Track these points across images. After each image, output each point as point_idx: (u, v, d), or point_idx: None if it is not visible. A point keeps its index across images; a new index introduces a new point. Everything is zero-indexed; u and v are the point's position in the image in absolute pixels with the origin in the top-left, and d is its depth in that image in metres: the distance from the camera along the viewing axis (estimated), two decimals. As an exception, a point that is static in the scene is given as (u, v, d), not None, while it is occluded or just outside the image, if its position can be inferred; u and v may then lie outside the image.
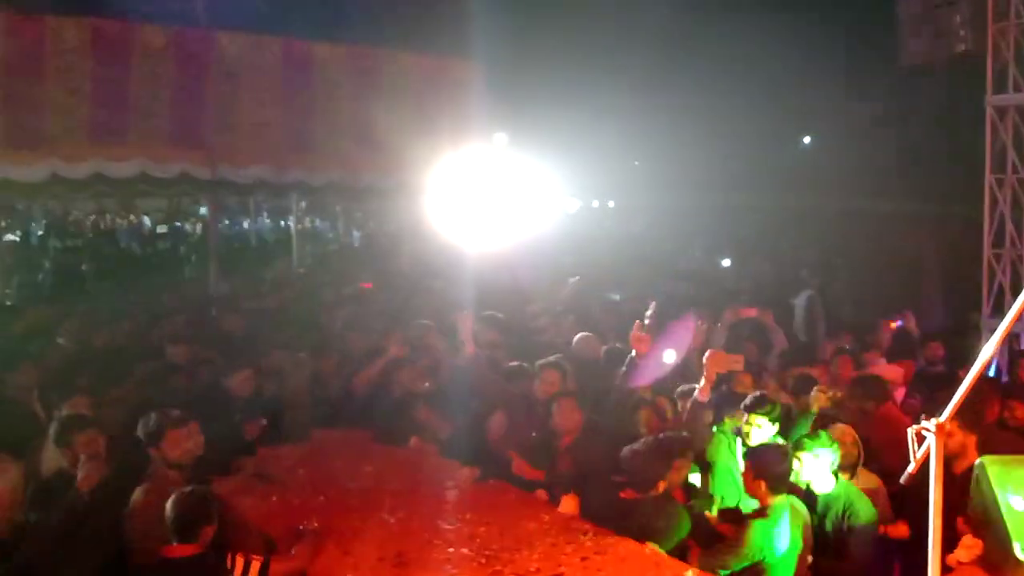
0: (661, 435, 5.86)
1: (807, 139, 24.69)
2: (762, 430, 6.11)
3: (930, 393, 7.87)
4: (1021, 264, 10.38)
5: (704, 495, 6.22)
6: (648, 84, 19.97)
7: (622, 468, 5.52)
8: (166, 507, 4.70)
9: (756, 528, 5.15)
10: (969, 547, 4.60)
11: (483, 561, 4.89)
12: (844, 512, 5.49)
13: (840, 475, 6.04)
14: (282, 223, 28.53)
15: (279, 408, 7.50)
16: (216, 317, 10.97)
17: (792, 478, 5.49)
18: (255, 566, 4.67)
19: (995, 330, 3.13)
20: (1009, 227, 10.37)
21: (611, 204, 29.51)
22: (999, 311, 10.12)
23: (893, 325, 10.17)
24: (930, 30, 11.92)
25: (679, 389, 6.94)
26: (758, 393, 6.52)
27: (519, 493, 5.96)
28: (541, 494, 5.97)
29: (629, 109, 20.14)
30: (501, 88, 13.82)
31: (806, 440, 5.63)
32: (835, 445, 5.66)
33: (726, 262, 18.29)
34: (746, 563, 5.06)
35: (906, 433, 3.45)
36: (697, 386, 6.32)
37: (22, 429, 6.59)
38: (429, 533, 5.29)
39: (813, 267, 15.38)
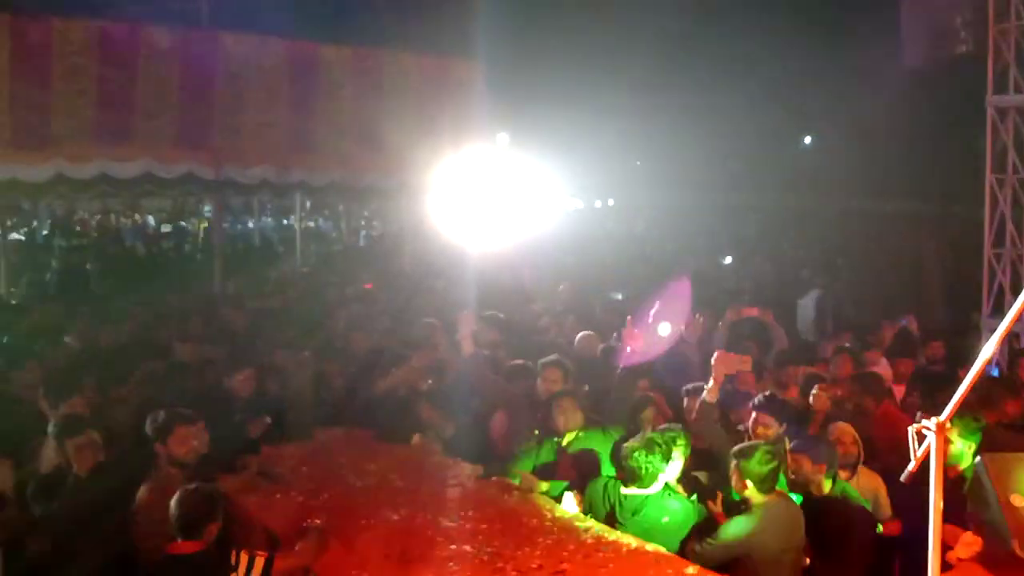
0: (656, 429, 5.90)
1: (808, 139, 24.70)
2: (770, 429, 6.14)
3: (930, 392, 7.90)
4: (1021, 264, 10.41)
5: (710, 491, 6.24)
6: (649, 84, 19.98)
7: (621, 465, 5.55)
8: (170, 504, 4.74)
9: (733, 524, 5.17)
10: (969, 544, 4.62)
11: (485, 558, 4.92)
12: (841, 513, 5.50)
13: (840, 474, 6.08)
14: (284, 222, 28.57)
15: (283, 407, 7.53)
16: (220, 316, 11.00)
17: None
18: (259, 563, 4.69)
19: (995, 329, 3.16)
20: (1009, 227, 10.39)
21: (610, 202, 29.50)
22: (999, 310, 10.15)
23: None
24: (931, 31, 11.94)
25: (686, 387, 6.97)
26: (768, 392, 6.55)
27: (521, 490, 5.98)
28: (541, 488, 5.99)
29: (631, 109, 20.16)
30: (503, 88, 13.84)
31: None
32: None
33: (727, 260, 18.32)
34: (724, 558, 5.04)
35: (906, 432, 3.48)
36: (705, 385, 6.36)
37: (27, 426, 6.63)
38: (432, 531, 5.31)
39: (815, 267, 15.39)
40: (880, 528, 5.93)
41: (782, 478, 5.50)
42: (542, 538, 5.15)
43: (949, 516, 3.42)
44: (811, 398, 7.09)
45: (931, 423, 3.33)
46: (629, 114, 20.40)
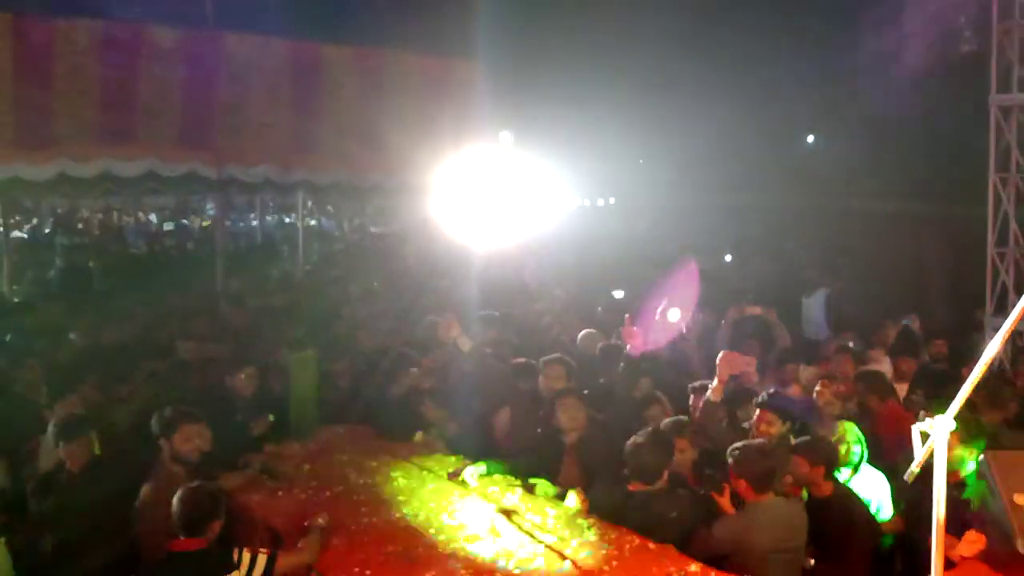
0: (660, 424, 5.90)
1: (810, 138, 24.67)
2: (773, 427, 6.14)
3: (933, 391, 7.90)
4: (1024, 262, 10.41)
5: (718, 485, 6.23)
6: (652, 84, 19.97)
7: (626, 462, 5.55)
8: (173, 502, 4.75)
9: (724, 521, 5.16)
10: (972, 542, 4.62)
11: (488, 557, 4.93)
12: (843, 515, 5.49)
13: (844, 472, 6.08)
14: (286, 220, 28.58)
15: (286, 405, 7.55)
16: (223, 315, 11.01)
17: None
18: (261, 561, 4.70)
19: (998, 328, 3.16)
20: (1013, 226, 10.38)
21: (611, 201, 29.49)
22: (1002, 309, 10.14)
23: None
24: (935, 30, 11.93)
25: (692, 385, 6.98)
26: (772, 390, 6.56)
27: (524, 487, 5.98)
28: (546, 488, 5.99)
29: (633, 108, 20.14)
30: (505, 88, 13.84)
31: None
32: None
33: (727, 257, 18.31)
34: (711, 553, 5.01)
35: (909, 430, 3.48)
36: (710, 384, 6.36)
37: (29, 424, 6.65)
38: (434, 528, 5.32)
39: (818, 266, 15.37)
40: (883, 527, 5.94)
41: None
42: (545, 535, 5.15)
43: (948, 522, 3.41)
44: (814, 395, 7.10)
45: (935, 422, 3.33)
46: (632, 113, 20.37)
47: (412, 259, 17.21)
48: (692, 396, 6.82)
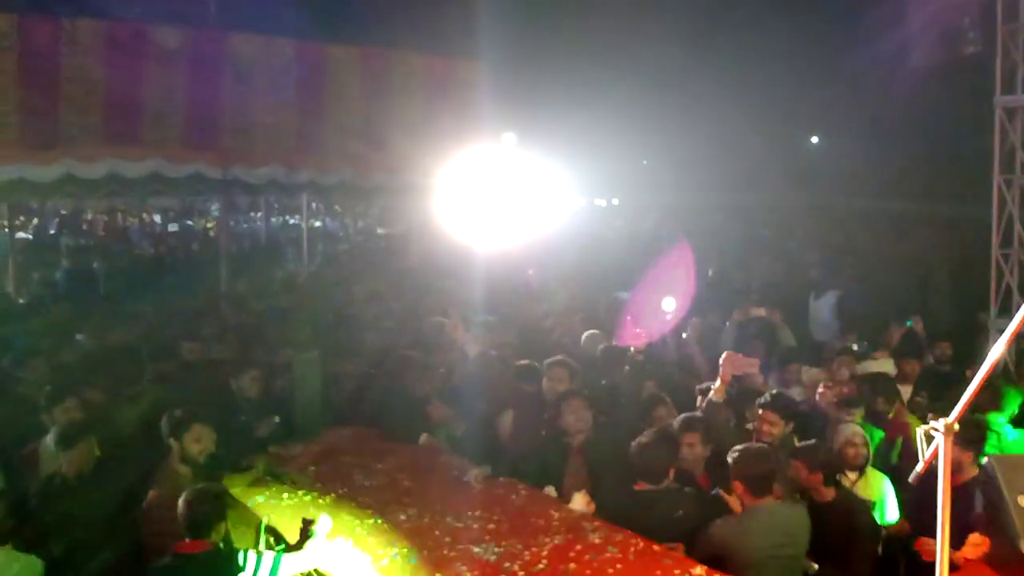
0: (667, 424, 5.90)
1: (815, 139, 24.67)
2: (776, 428, 6.14)
3: (937, 393, 7.91)
4: (1029, 264, 10.39)
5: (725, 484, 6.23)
6: (655, 84, 19.97)
7: (632, 462, 5.55)
8: (179, 504, 4.76)
9: (720, 523, 5.16)
10: (976, 545, 4.62)
11: (493, 559, 4.93)
12: (846, 518, 5.48)
13: (849, 475, 6.08)
14: (291, 221, 28.62)
15: (291, 406, 7.56)
16: (228, 316, 11.03)
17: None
18: (267, 562, 4.71)
19: (1003, 330, 3.16)
20: (1017, 227, 10.36)
21: (615, 201, 29.50)
22: (1007, 311, 10.12)
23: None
24: (939, 31, 11.93)
25: (699, 387, 6.98)
26: (775, 391, 6.56)
27: (529, 490, 5.99)
28: (550, 491, 6.00)
29: (637, 109, 20.13)
30: (509, 88, 13.85)
31: None
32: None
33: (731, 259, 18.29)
34: (706, 554, 5.01)
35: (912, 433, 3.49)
36: (713, 385, 6.37)
37: (34, 426, 6.65)
38: (439, 531, 5.32)
39: (827, 267, 15.36)
40: (888, 530, 5.93)
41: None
42: (549, 538, 5.15)
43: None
44: (817, 396, 7.11)
45: (939, 424, 3.34)
46: (635, 114, 20.37)
47: (416, 260, 17.21)
48: (699, 398, 6.83)
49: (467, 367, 7.62)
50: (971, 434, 5.50)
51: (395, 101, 12.20)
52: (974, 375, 3.28)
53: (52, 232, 23.39)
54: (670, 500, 5.40)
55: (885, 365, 8.79)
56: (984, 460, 4.60)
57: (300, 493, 6.01)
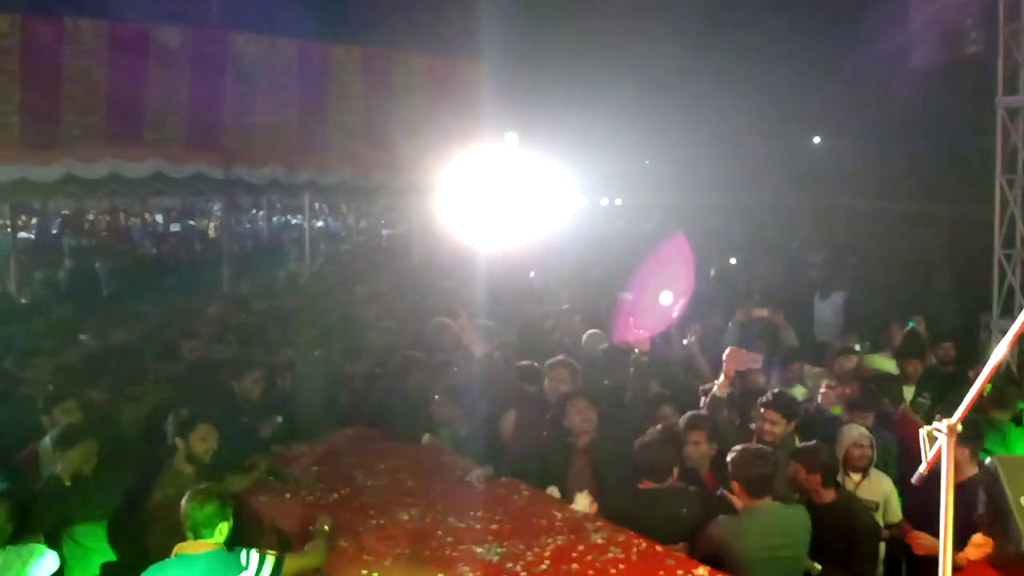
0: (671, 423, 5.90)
1: (817, 139, 24.65)
2: (777, 426, 6.14)
3: (940, 393, 7.90)
4: (1032, 265, 10.40)
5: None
6: (658, 84, 19.95)
7: (636, 461, 5.55)
8: (181, 504, 4.76)
9: (716, 526, 5.16)
10: (979, 546, 4.62)
11: (495, 559, 4.93)
12: (847, 519, 5.48)
13: (852, 476, 6.07)
14: (293, 221, 28.63)
15: (293, 406, 7.56)
16: (230, 316, 11.02)
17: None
18: (269, 562, 4.71)
19: (1005, 330, 3.16)
20: (1019, 228, 10.37)
21: (618, 202, 29.48)
22: (1009, 311, 10.13)
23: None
24: (941, 31, 11.93)
25: (703, 387, 6.98)
26: (776, 390, 6.55)
27: (531, 490, 5.99)
28: (553, 491, 6.00)
29: (639, 109, 20.12)
30: (511, 88, 13.86)
31: None
32: None
33: (732, 260, 18.31)
34: (703, 553, 5.01)
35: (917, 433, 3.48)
36: (717, 381, 6.38)
37: (36, 426, 6.65)
38: (442, 531, 5.33)
39: (831, 267, 15.36)
40: (890, 531, 5.93)
41: None
42: (552, 538, 5.16)
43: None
44: (819, 397, 7.10)
45: (942, 425, 3.33)
46: (638, 114, 20.37)
47: (417, 260, 17.22)
48: (703, 398, 6.82)
49: (473, 367, 7.60)
50: (968, 431, 5.49)
51: (396, 101, 12.23)
52: (977, 376, 3.28)
53: (54, 232, 23.39)
54: (674, 499, 5.40)
55: (887, 365, 8.79)
56: (987, 460, 4.60)
57: (302, 493, 6.02)
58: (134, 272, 17.36)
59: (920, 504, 5.54)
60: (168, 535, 4.96)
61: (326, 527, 5.17)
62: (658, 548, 4.97)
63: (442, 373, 7.76)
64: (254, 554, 4.71)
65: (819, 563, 5.28)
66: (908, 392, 8.04)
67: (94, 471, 5.82)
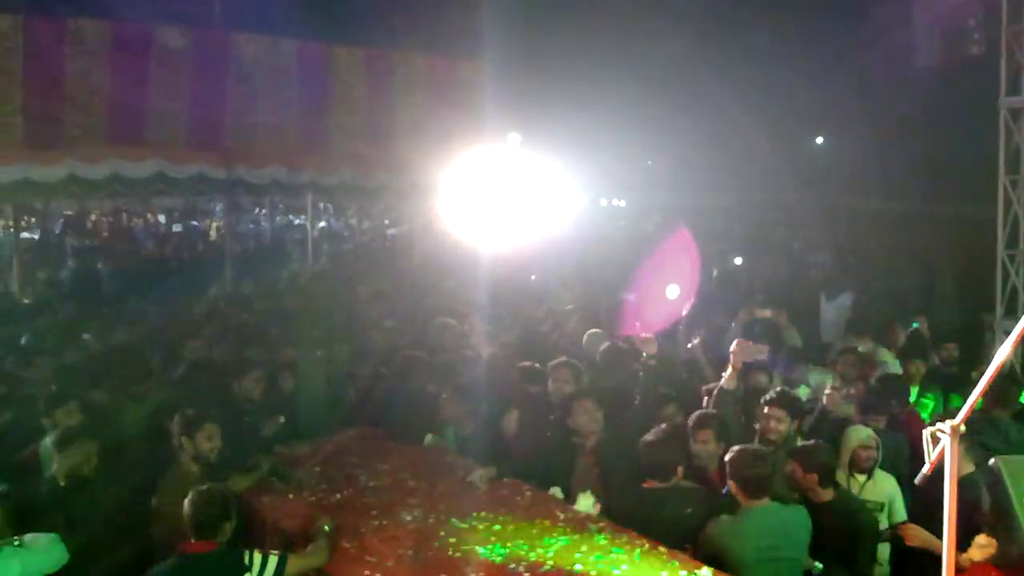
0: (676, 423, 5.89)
1: (820, 140, 24.64)
2: (782, 424, 6.13)
3: (944, 394, 7.89)
4: (1034, 265, 10.38)
5: None
6: (660, 85, 19.96)
7: (641, 461, 5.55)
8: (184, 505, 4.76)
9: (716, 526, 5.15)
10: (983, 546, 4.61)
11: (498, 559, 4.93)
12: (846, 519, 5.47)
13: (857, 477, 6.06)
14: (295, 221, 28.65)
15: (296, 406, 7.55)
16: (232, 316, 11.03)
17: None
18: (272, 562, 4.71)
19: (1009, 331, 3.16)
20: (1023, 228, 10.35)
21: (621, 204, 29.50)
22: (1012, 312, 10.12)
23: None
24: (944, 32, 11.91)
25: (705, 387, 6.97)
26: (779, 388, 6.55)
27: (534, 491, 5.99)
28: (556, 492, 6.00)
29: (642, 109, 20.13)
30: (513, 88, 13.85)
31: None
32: None
33: (738, 260, 18.30)
34: (706, 554, 5.01)
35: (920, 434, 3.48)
36: (725, 373, 6.38)
37: (39, 428, 6.65)
38: (445, 531, 5.32)
39: (838, 268, 15.34)
40: (894, 531, 5.91)
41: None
42: (555, 539, 5.15)
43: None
44: (824, 398, 7.08)
45: (945, 426, 3.33)
46: (640, 113, 20.37)
47: (419, 260, 17.23)
48: (705, 398, 6.81)
49: (479, 367, 7.62)
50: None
51: (398, 101, 12.24)
52: (980, 376, 3.28)
53: (57, 233, 23.43)
54: (679, 498, 5.39)
55: (890, 361, 8.78)
56: (991, 462, 4.59)
57: (305, 494, 6.01)
58: (136, 272, 17.37)
59: (922, 503, 5.54)
60: (172, 535, 4.97)
61: (327, 528, 5.17)
62: (661, 549, 4.96)
63: (444, 373, 7.75)
64: (257, 554, 4.72)
65: (819, 562, 5.27)
66: (911, 393, 8.04)
67: (95, 471, 5.82)
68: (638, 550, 4.96)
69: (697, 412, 6.23)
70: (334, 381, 8.15)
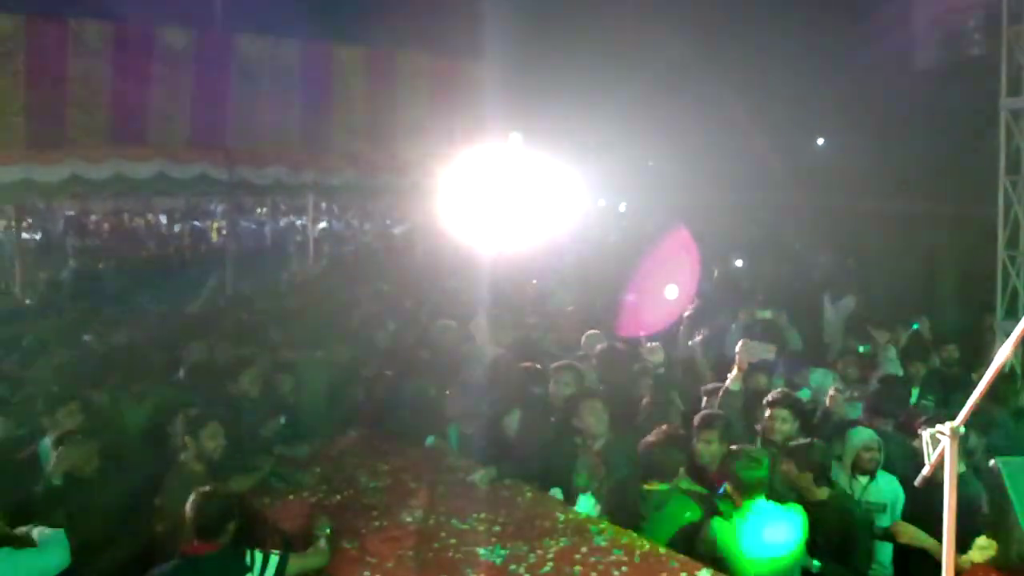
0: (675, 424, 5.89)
1: (820, 140, 24.61)
2: (786, 424, 6.13)
3: (944, 395, 7.89)
4: (1035, 266, 10.37)
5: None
6: (661, 86, 19.95)
7: (641, 462, 5.55)
8: (187, 506, 4.77)
9: (711, 526, 5.15)
10: (983, 548, 4.61)
11: (498, 560, 4.94)
12: (840, 518, 5.47)
13: (860, 478, 6.07)
14: (297, 222, 28.66)
15: (297, 407, 7.56)
16: (233, 316, 11.03)
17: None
18: (273, 563, 4.72)
19: (1009, 332, 3.16)
20: (1023, 229, 10.34)
21: (621, 208, 29.48)
22: (1013, 313, 10.10)
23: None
24: (944, 33, 11.92)
25: (704, 388, 6.98)
26: (781, 389, 6.55)
27: (535, 492, 5.99)
28: (556, 493, 6.00)
29: (643, 109, 20.12)
30: (515, 89, 13.86)
31: None
32: None
33: (738, 262, 18.29)
34: (706, 555, 5.01)
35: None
36: (723, 387, 6.38)
37: (40, 428, 6.66)
38: (445, 532, 5.33)
39: (840, 270, 15.33)
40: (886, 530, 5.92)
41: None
42: (555, 540, 5.16)
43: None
44: (827, 400, 7.08)
45: (945, 427, 3.33)
46: (641, 114, 20.36)
47: (420, 260, 17.24)
48: (705, 399, 6.82)
49: (482, 368, 7.62)
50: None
51: (400, 102, 12.24)
52: (980, 378, 3.28)
53: (59, 233, 23.45)
54: (679, 500, 5.39)
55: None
56: (991, 463, 4.59)
57: (306, 494, 6.02)
58: (138, 273, 17.39)
59: (919, 504, 5.54)
60: (175, 533, 4.98)
61: (327, 529, 5.18)
62: (661, 550, 4.97)
63: (446, 374, 7.76)
64: (258, 553, 4.72)
65: (817, 561, 5.28)
66: (912, 394, 8.04)
67: (96, 471, 5.83)
68: (638, 551, 4.96)
69: (703, 412, 6.23)
70: (335, 382, 8.15)
